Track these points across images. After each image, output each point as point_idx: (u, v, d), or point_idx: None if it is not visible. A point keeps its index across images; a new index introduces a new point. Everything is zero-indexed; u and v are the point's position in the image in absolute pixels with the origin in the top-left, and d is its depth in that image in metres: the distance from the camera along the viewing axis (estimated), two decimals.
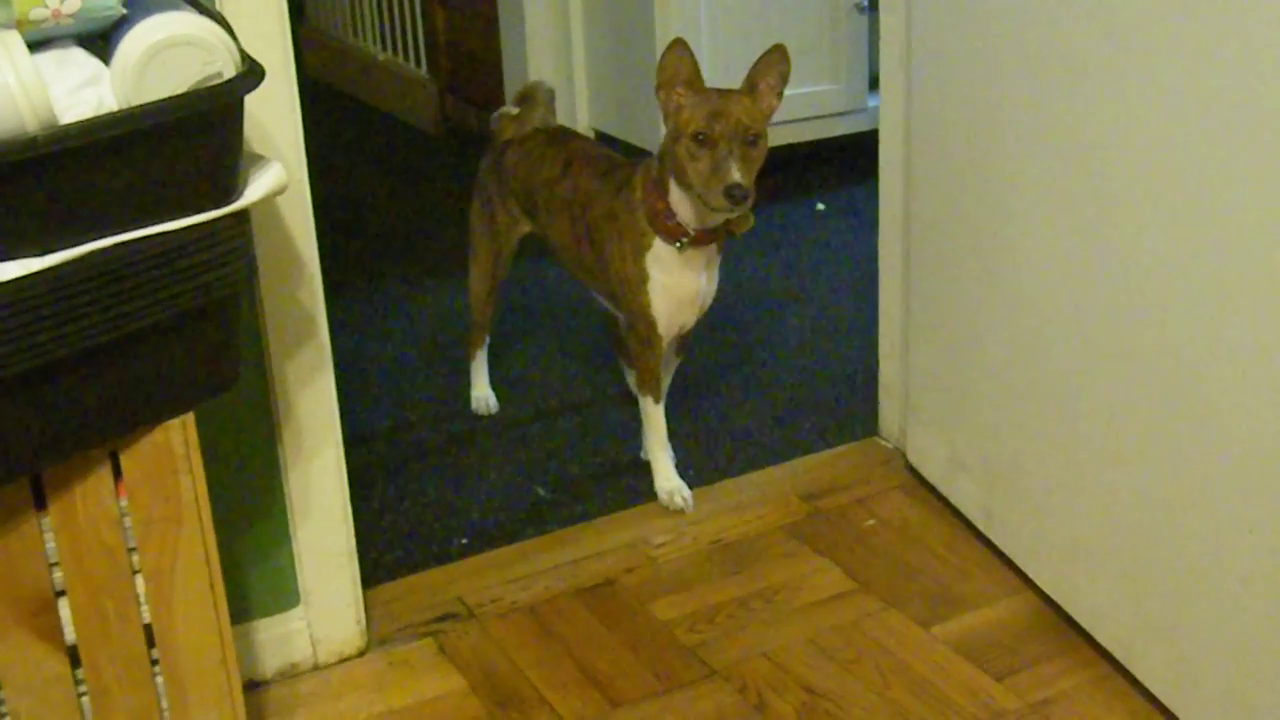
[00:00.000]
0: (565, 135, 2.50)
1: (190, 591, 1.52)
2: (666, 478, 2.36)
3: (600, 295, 2.41)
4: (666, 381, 2.43)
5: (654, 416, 2.35)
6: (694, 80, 2.10)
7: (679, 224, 2.17)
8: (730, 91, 2.10)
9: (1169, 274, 1.65)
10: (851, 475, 2.41)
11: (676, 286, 2.23)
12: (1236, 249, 1.54)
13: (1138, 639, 1.82)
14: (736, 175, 2.03)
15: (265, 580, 1.91)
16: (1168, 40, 1.60)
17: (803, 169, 3.84)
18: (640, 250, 2.21)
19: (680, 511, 2.32)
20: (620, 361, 2.67)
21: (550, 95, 2.54)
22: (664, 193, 2.16)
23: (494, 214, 2.51)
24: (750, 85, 2.11)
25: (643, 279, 2.22)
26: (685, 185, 2.12)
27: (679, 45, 2.11)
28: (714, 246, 2.23)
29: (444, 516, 2.33)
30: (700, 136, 2.06)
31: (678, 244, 2.18)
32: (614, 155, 2.42)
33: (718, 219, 2.16)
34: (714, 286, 2.29)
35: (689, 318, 2.29)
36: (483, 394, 2.69)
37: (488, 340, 2.67)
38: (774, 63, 2.10)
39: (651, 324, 2.26)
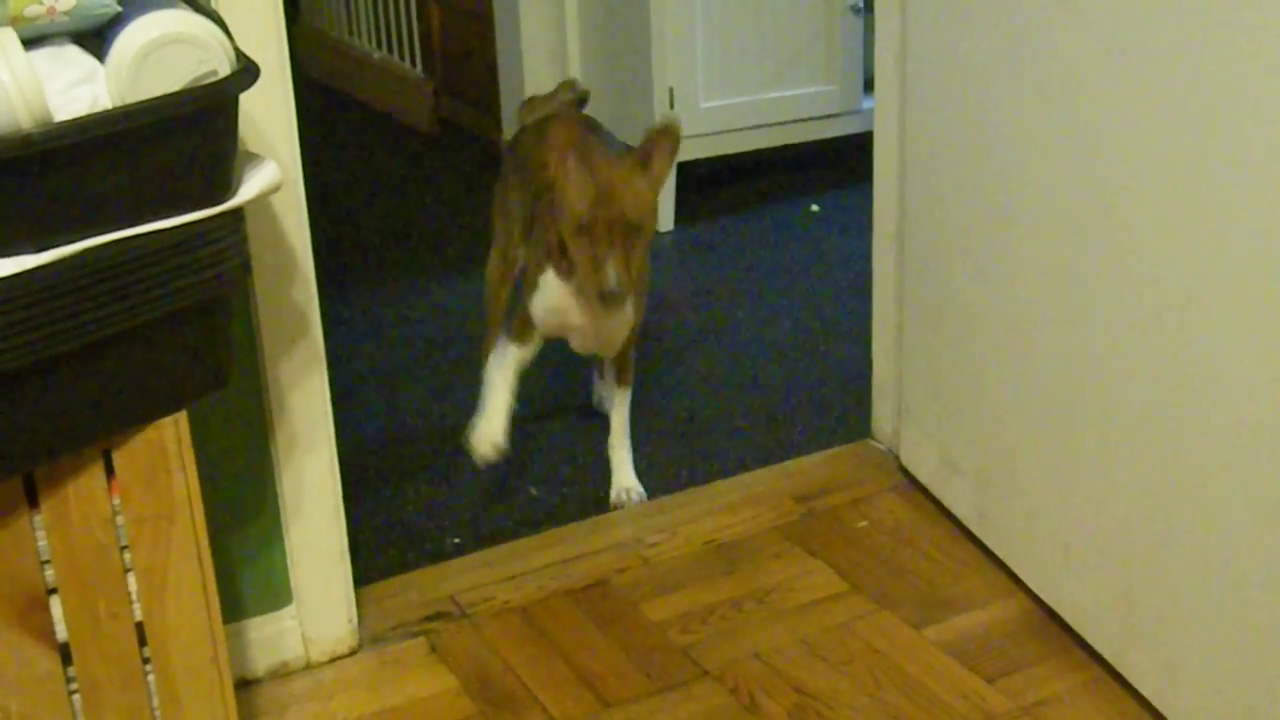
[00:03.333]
0: (573, 116, 2.40)
1: (182, 590, 1.52)
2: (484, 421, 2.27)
3: None
4: (615, 413, 2.36)
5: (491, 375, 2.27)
6: (582, 147, 2.05)
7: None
8: (620, 165, 2.06)
9: (1162, 277, 1.65)
10: (844, 477, 2.41)
11: (558, 314, 2.20)
12: (1230, 253, 1.55)
13: (1129, 642, 1.82)
14: (612, 280, 2.01)
15: (257, 579, 1.91)
16: (1161, 44, 1.60)
17: (797, 170, 3.84)
18: (541, 265, 2.18)
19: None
20: (596, 376, 2.63)
21: (583, 96, 2.51)
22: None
23: (508, 195, 2.48)
24: (645, 154, 2.07)
25: (532, 288, 2.21)
26: (570, 262, 2.11)
27: (567, 121, 2.09)
28: None
29: (436, 515, 2.33)
30: (582, 224, 2.03)
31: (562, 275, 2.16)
32: (594, 142, 2.23)
33: None
34: (623, 329, 2.24)
35: (585, 343, 2.25)
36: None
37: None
38: (667, 135, 2.07)
39: (527, 319, 2.23)
